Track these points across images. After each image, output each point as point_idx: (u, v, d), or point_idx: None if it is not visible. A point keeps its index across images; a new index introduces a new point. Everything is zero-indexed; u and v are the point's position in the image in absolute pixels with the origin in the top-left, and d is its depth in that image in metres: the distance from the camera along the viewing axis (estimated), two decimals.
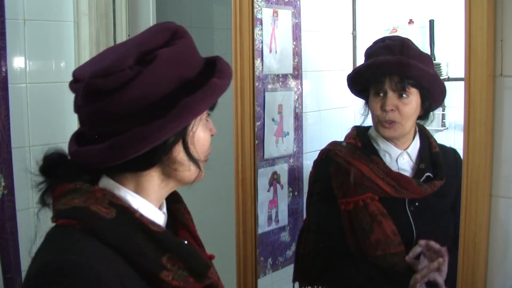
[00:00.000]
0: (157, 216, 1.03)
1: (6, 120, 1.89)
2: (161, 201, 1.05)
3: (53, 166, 1.01)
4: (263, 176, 2.16)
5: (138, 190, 1.00)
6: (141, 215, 0.95)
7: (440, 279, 1.52)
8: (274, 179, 2.23)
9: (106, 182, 0.99)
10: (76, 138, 1.01)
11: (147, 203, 1.01)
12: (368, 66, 1.65)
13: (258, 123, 2.09)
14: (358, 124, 1.79)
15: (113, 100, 0.92)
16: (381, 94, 1.62)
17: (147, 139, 0.92)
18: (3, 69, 1.90)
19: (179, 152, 0.99)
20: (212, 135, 1.08)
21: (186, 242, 1.03)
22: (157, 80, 0.93)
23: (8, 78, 1.91)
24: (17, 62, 2.02)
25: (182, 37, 1.00)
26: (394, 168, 1.66)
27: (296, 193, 2.32)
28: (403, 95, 1.59)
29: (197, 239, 1.13)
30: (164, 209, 1.07)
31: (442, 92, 1.65)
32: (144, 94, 0.92)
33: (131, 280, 0.91)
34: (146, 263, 0.92)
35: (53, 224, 0.96)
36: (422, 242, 1.56)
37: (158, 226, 0.97)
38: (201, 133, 1.03)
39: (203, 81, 0.96)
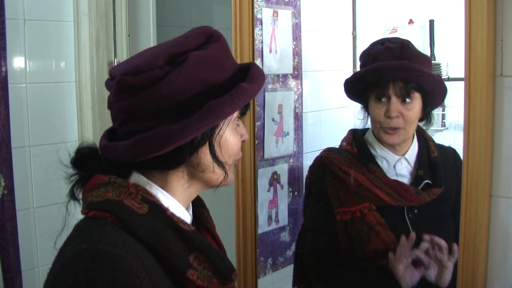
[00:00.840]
0: (185, 216, 1.04)
1: (6, 120, 1.90)
2: (188, 202, 1.07)
3: (84, 159, 1.04)
4: (263, 176, 2.16)
5: (166, 189, 1.02)
6: (172, 213, 0.97)
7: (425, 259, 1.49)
8: (274, 179, 2.23)
9: (137, 178, 1.02)
10: (108, 134, 1.04)
11: (176, 202, 1.03)
12: (370, 70, 1.59)
13: (258, 123, 2.09)
14: (357, 125, 1.77)
15: (141, 97, 0.96)
16: (383, 100, 1.57)
17: (171, 138, 0.93)
18: (3, 69, 1.90)
19: (205, 154, 1.00)
20: (243, 141, 1.09)
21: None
22: (185, 81, 0.95)
23: (8, 78, 1.92)
24: (17, 62, 2.02)
25: (216, 41, 1.01)
26: (392, 174, 1.63)
27: (296, 193, 2.32)
28: (407, 100, 1.55)
29: (220, 244, 1.14)
30: (190, 211, 1.09)
31: (444, 94, 1.62)
32: (172, 93, 0.95)
33: (158, 276, 0.92)
34: (173, 260, 0.94)
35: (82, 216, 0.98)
36: (427, 237, 1.51)
37: (188, 225, 0.99)
38: (229, 137, 1.03)
39: (232, 85, 0.97)
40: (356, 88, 1.68)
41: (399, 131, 1.58)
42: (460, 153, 1.52)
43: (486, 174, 1.27)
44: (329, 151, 1.72)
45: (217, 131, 1.01)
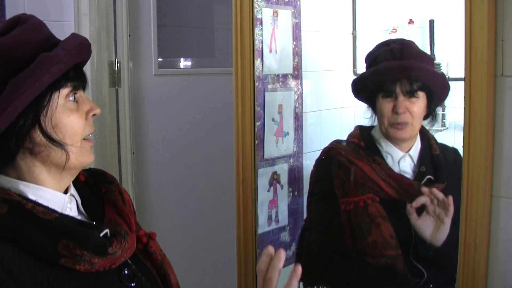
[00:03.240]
0: (58, 199, 1.03)
1: None
2: (61, 186, 1.05)
3: None
4: (263, 176, 2.16)
5: (28, 179, 1.01)
6: (33, 206, 0.96)
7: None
8: (274, 179, 2.23)
9: None
10: None
11: (46, 189, 1.02)
12: (377, 71, 1.65)
13: (258, 123, 2.09)
14: (358, 124, 1.80)
15: None
16: (391, 97, 1.63)
17: None
18: None
19: (39, 137, 0.99)
20: (94, 115, 1.07)
21: (93, 223, 1.05)
22: None
23: None
24: None
25: (23, 24, 1.01)
26: (395, 170, 1.67)
27: (296, 193, 2.32)
28: (413, 96, 1.62)
29: (124, 216, 1.11)
30: (72, 191, 1.07)
31: (447, 91, 1.68)
32: None
33: (27, 272, 0.91)
34: (42, 252, 0.93)
35: None
36: (426, 189, 1.56)
37: (51, 213, 0.97)
38: (63, 115, 1.01)
39: (35, 59, 0.96)
40: (364, 88, 1.72)
41: (407, 126, 1.64)
42: (461, 153, 1.52)
43: (486, 174, 1.28)
44: (337, 142, 1.77)
45: (44, 110, 0.99)
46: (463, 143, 1.30)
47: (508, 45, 1.25)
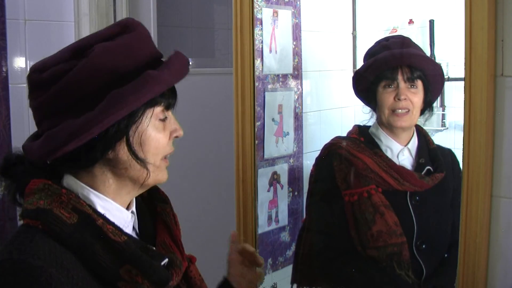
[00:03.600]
0: (123, 216, 1.02)
1: (7, 120, 1.90)
2: (127, 201, 1.04)
3: (9, 166, 1.02)
4: (263, 176, 2.16)
5: (98, 190, 0.99)
6: (103, 223, 0.95)
7: None
8: (274, 179, 2.23)
9: (69, 181, 1.00)
10: (34, 135, 1.02)
11: (113, 203, 1.00)
12: (382, 58, 1.69)
13: (258, 123, 2.09)
14: (364, 120, 1.83)
15: (50, 94, 0.93)
16: (392, 86, 1.67)
17: (75, 133, 0.91)
18: (4, 69, 1.90)
19: (123, 150, 0.97)
20: (176, 137, 1.05)
21: (154, 248, 1.03)
22: (90, 73, 0.92)
23: (8, 78, 1.92)
24: (17, 62, 2.02)
25: (131, 31, 0.98)
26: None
27: (296, 193, 2.32)
28: (413, 86, 1.67)
29: (176, 241, 1.11)
30: (133, 208, 1.06)
31: (442, 83, 1.75)
32: (77, 87, 0.92)
33: (88, 286, 0.91)
34: (103, 272, 0.93)
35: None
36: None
37: (120, 234, 0.96)
38: (151, 133, 0.99)
39: (139, 74, 0.93)
40: (367, 78, 1.75)
41: (407, 114, 1.68)
42: (460, 153, 1.53)
43: (486, 174, 1.28)
44: (338, 138, 1.81)
45: (135, 125, 0.97)
46: (463, 143, 1.30)
47: (508, 45, 1.25)
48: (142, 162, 0.99)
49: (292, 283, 1.94)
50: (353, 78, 1.78)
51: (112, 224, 0.96)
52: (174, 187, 3.02)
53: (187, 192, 2.81)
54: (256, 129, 1.86)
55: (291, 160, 2.28)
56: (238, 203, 1.84)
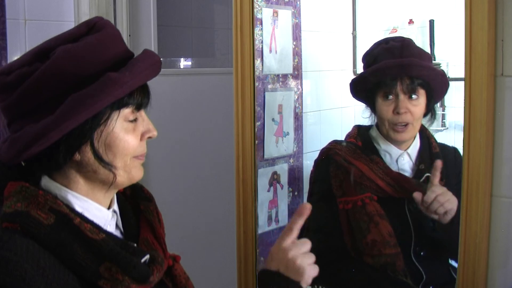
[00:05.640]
0: (102, 215, 1.02)
1: None
2: (105, 201, 1.04)
3: None
4: (263, 176, 2.16)
5: (75, 190, 0.99)
6: (81, 222, 0.95)
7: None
8: (274, 179, 2.23)
9: (45, 182, 1.00)
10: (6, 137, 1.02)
11: (89, 202, 1.00)
12: (379, 69, 1.64)
13: (258, 123, 2.09)
14: (358, 123, 1.80)
15: (13, 97, 0.94)
16: (391, 97, 1.63)
17: (34, 138, 0.91)
18: None
19: (89, 154, 0.97)
20: (149, 137, 1.04)
21: (135, 245, 1.03)
22: (51, 76, 0.92)
23: None
24: None
25: (97, 32, 0.97)
26: (394, 168, 1.67)
27: (296, 193, 2.32)
28: (413, 96, 1.61)
29: (159, 239, 1.11)
30: (114, 207, 1.06)
31: (446, 88, 1.68)
32: (38, 90, 0.92)
33: (67, 285, 0.91)
34: (83, 272, 0.93)
35: None
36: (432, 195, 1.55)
37: (98, 232, 0.96)
38: (119, 134, 0.98)
39: (101, 76, 0.92)
40: (363, 87, 1.72)
41: (408, 127, 1.64)
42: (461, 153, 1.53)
43: (486, 174, 1.27)
44: (335, 142, 1.78)
45: (100, 128, 0.96)
46: (463, 143, 1.30)
47: (508, 45, 1.25)
48: (107, 165, 0.98)
49: None
50: (351, 85, 1.75)
51: (91, 222, 0.96)
52: (173, 186, 3.03)
53: (187, 192, 2.80)
54: (256, 129, 1.86)
55: (291, 160, 2.28)
56: (238, 203, 1.84)
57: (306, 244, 1.18)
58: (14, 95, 0.94)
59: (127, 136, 1.00)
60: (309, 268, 1.15)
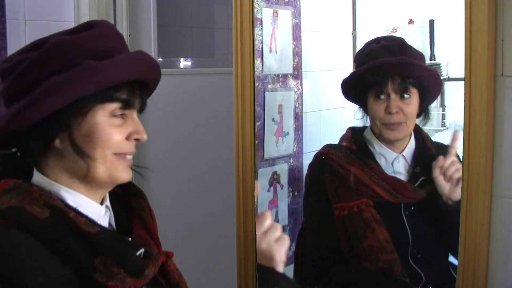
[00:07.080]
0: (95, 210, 1.03)
1: None
2: (97, 196, 1.05)
3: None
4: (263, 176, 2.16)
5: (65, 185, 1.01)
6: (76, 215, 0.96)
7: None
8: (274, 179, 2.23)
9: (37, 178, 1.01)
10: None
11: (82, 197, 1.01)
12: (371, 68, 1.63)
13: (258, 123, 2.09)
14: (357, 125, 1.79)
15: (8, 82, 0.98)
16: (382, 97, 1.61)
17: (14, 114, 0.94)
18: None
19: (65, 142, 0.99)
20: (138, 140, 1.05)
21: (130, 239, 1.05)
22: (39, 63, 0.96)
23: None
24: None
25: (91, 29, 1.00)
26: (389, 171, 1.66)
27: (296, 193, 2.32)
28: (405, 95, 1.59)
29: (152, 235, 1.12)
30: (107, 203, 1.07)
31: (440, 88, 1.68)
32: (28, 74, 0.96)
33: (63, 277, 0.92)
34: (77, 264, 0.93)
35: None
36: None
37: (93, 225, 0.97)
38: (101, 126, 0.99)
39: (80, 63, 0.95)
40: (355, 88, 1.70)
41: (401, 126, 1.62)
42: (460, 153, 1.52)
43: (486, 174, 1.27)
44: (328, 147, 1.75)
45: (80, 117, 0.98)
46: (463, 143, 1.30)
47: (508, 45, 1.25)
48: (82, 153, 0.99)
49: None
50: (342, 85, 1.73)
51: (85, 216, 0.97)
52: (173, 186, 3.03)
53: (186, 192, 2.80)
54: (256, 129, 1.86)
55: (291, 160, 2.28)
56: (238, 203, 1.84)
57: (276, 230, 1.26)
58: (7, 81, 0.98)
59: (111, 130, 1.01)
60: (277, 252, 1.22)
